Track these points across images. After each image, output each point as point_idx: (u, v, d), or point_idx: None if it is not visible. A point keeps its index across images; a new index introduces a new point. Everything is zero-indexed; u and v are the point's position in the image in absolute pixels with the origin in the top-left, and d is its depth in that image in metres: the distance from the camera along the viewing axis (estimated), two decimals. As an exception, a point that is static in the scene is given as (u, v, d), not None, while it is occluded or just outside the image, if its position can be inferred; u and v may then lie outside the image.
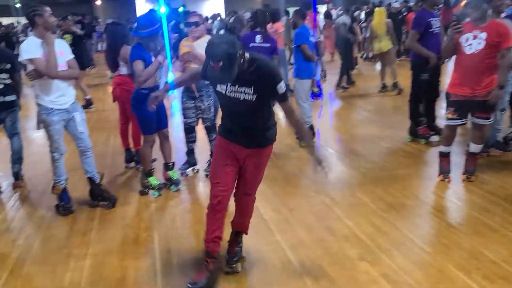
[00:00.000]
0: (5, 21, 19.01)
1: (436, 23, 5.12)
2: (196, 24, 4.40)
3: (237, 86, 2.48)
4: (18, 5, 25.19)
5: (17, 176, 4.79)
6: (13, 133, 4.78)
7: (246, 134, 2.69)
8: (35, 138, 6.78)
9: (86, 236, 3.65)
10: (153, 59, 4.10)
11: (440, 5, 6.13)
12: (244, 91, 2.47)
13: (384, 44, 8.68)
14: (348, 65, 9.86)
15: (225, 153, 2.74)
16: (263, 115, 2.67)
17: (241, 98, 2.51)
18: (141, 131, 4.38)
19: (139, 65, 3.99)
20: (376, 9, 9.62)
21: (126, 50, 4.44)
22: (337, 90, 9.46)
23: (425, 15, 5.16)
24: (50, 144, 3.98)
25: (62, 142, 4.00)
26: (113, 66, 4.83)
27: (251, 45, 5.40)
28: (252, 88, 2.46)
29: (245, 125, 2.68)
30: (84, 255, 3.34)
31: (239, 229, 3.01)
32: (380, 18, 8.84)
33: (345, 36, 9.81)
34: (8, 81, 4.59)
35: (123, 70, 4.69)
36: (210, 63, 2.34)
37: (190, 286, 2.71)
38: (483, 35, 3.86)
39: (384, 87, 8.95)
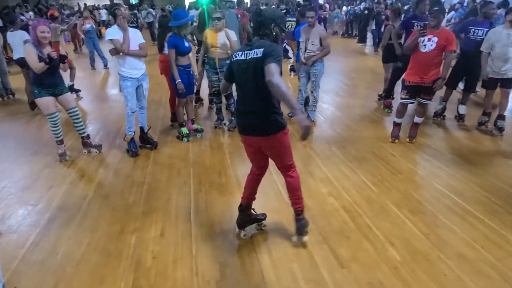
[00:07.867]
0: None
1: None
2: (219, 19, 4.49)
3: None
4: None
5: None
6: None
7: None
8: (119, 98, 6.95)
9: (144, 169, 3.88)
10: (185, 43, 4.23)
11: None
12: None
13: None
14: None
15: None
16: None
17: None
18: (177, 96, 4.52)
19: (171, 53, 4.19)
20: None
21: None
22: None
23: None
24: (126, 104, 4.11)
25: (135, 102, 4.09)
26: (160, 47, 4.84)
27: None
28: None
29: None
30: (142, 183, 3.58)
31: None
32: None
33: None
34: None
35: (166, 51, 4.63)
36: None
37: None
38: (436, 39, 3.89)
39: None
